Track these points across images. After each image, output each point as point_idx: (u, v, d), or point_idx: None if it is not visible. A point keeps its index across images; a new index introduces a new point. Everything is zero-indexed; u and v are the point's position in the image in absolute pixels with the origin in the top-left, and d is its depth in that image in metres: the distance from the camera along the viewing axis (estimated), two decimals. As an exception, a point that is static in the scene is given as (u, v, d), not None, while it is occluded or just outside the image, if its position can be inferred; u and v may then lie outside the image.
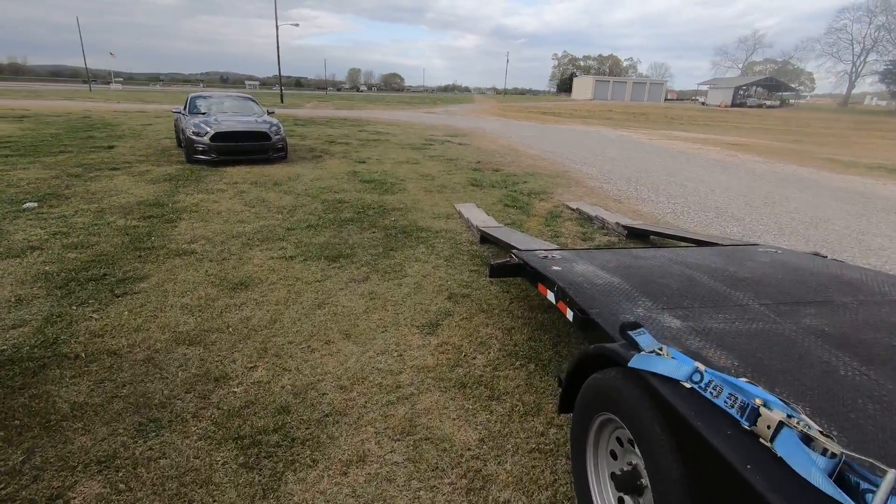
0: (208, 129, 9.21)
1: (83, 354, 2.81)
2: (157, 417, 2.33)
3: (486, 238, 5.03)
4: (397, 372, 2.78)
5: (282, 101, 42.84)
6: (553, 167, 10.96)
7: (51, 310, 3.32)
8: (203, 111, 10.51)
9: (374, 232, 5.44)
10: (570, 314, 2.48)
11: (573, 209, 6.81)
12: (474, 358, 2.96)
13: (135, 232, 5.09)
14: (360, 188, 7.76)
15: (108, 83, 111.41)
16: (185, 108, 10.61)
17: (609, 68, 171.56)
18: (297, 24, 48.00)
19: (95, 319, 3.24)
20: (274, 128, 9.91)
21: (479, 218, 5.85)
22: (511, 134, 19.57)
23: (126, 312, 3.35)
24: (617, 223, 5.66)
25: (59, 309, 3.35)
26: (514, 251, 3.52)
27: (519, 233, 5.05)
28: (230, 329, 3.18)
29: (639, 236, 5.45)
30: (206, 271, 4.12)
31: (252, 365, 2.79)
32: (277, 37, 44.25)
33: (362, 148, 12.94)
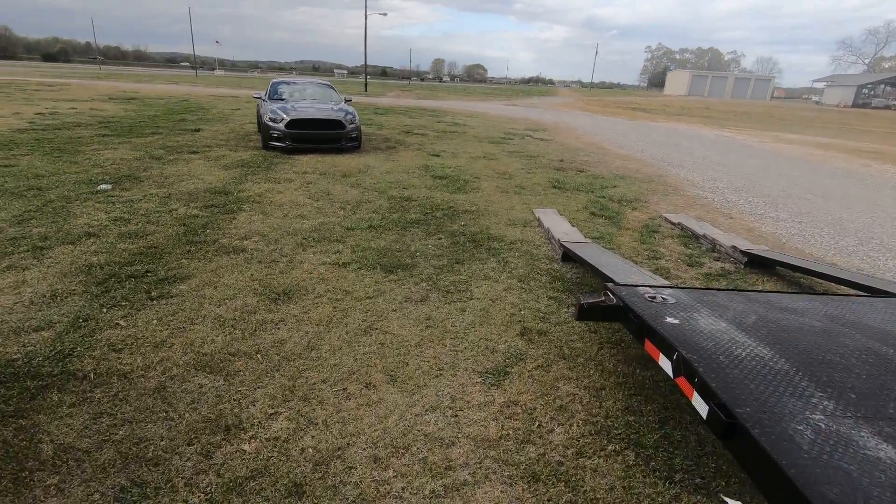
0: (284, 115, 9.06)
1: (92, 375, 2.43)
2: (144, 481, 1.85)
3: (569, 256, 4.24)
4: (449, 443, 2.14)
5: (366, 90, 43.56)
6: (646, 170, 9.78)
7: (80, 311, 3.02)
8: (282, 98, 10.44)
9: (439, 238, 4.82)
10: (700, 406, 1.71)
11: (674, 223, 5.80)
12: (551, 431, 2.24)
13: (192, 223, 4.83)
14: (430, 185, 7.18)
15: (213, 69, 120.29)
16: (266, 94, 10.60)
17: (708, 62, 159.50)
18: (385, 14, 48.56)
19: (121, 328, 2.88)
20: (349, 116, 9.60)
21: (562, 228, 5.05)
22: (597, 130, 18.21)
23: (154, 321, 2.97)
24: (733, 247, 4.63)
25: (89, 311, 3.04)
26: (609, 285, 2.74)
27: (610, 253, 4.21)
28: (259, 355, 2.70)
29: (762, 265, 4.40)
30: (252, 275, 3.71)
31: (273, 411, 2.27)
32: (366, 27, 44.96)
33: (438, 140, 12.40)
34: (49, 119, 12.09)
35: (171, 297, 3.30)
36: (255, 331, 2.94)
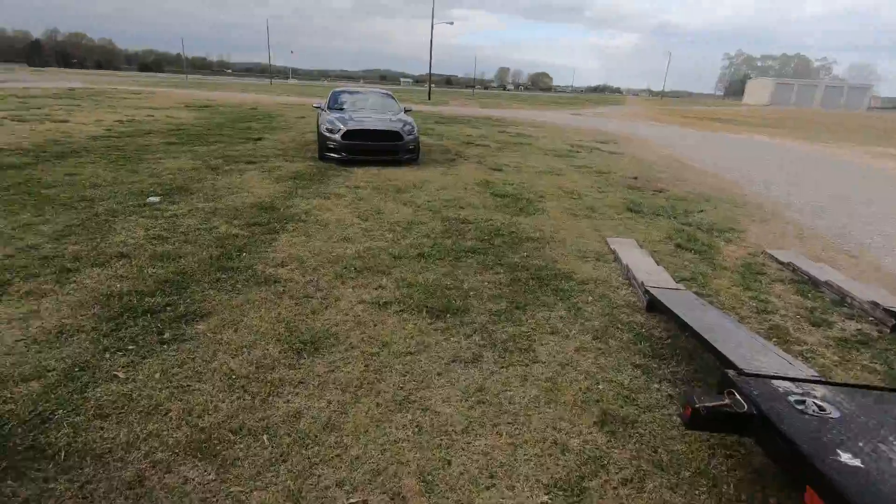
0: (341, 126, 8.75)
1: (63, 453, 1.99)
2: None
3: (656, 306, 3.45)
4: None
5: (429, 98, 43.68)
6: (733, 190, 8.63)
7: (81, 355, 2.64)
8: (341, 107, 10.19)
9: (498, 272, 4.16)
10: None
11: (782, 263, 4.80)
12: None
13: (230, 244, 4.47)
14: (490, 204, 6.54)
15: (286, 78, 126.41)
16: (325, 103, 10.40)
17: (794, 70, 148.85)
18: (451, 23, 48.62)
19: (118, 381, 2.45)
20: (407, 127, 9.16)
21: (645, 267, 4.24)
22: (672, 142, 16.84)
23: (157, 375, 2.52)
24: (873, 303, 3.64)
25: (91, 356, 2.64)
26: (732, 375, 1.98)
27: (711, 307, 3.37)
28: (267, 435, 2.16)
29: (918, 331, 3.40)
30: (279, 314, 3.22)
31: (267, 533, 1.70)
32: (431, 36, 45.21)
33: (500, 152, 11.74)
34: (125, 126, 12.58)
35: (185, 340, 2.85)
36: (269, 396, 2.42)
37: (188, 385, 2.46)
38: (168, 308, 3.21)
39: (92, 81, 42.14)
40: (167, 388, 2.43)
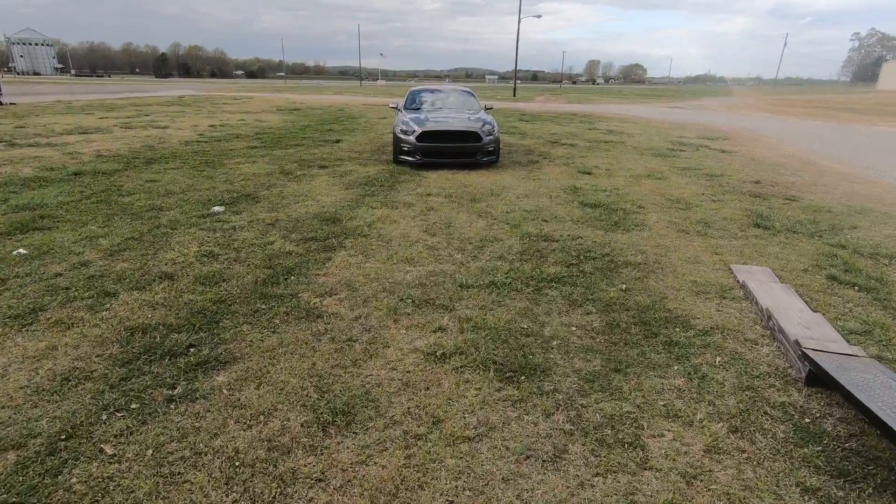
0: (416, 127, 8.20)
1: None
2: None
3: (822, 379, 2.42)
4: None
5: (514, 95, 42.55)
6: (892, 198, 6.90)
7: (75, 416, 2.21)
8: (417, 107, 9.66)
9: (589, 312, 3.30)
10: None
11: None
12: None
13: (281, 263, 4.01)
14: (578, 216, 5.61)
15: (376, 79, 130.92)
16: (402, 103, 9.94)
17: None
18: (539, 17, 46.98)
19: (101, 461, 1.98)
20: (486, 127, 8.41)
21: (794, 313, 3.15)
22: (796, 138, 14.52)
23: (150, 452, 2.01)
24: None
25: (86, 416, 2.21)
26: None
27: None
28: (255, 576, 1.53)
29: None
30: (314, 365, 2.64)
31: None
32: (518, 31, 43.96)
33: (589, 152, 10.61)
34: (217, 131, 13.05)
35: (196, 399, 2.34)
36: (273, 500, 1.80)
37: (179, 474, 1.91)
38: (191, 349, 2.75)
39: (202, 89, 45.93)
40: (154, 475, 1.90)
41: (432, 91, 10.47)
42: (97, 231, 4.71)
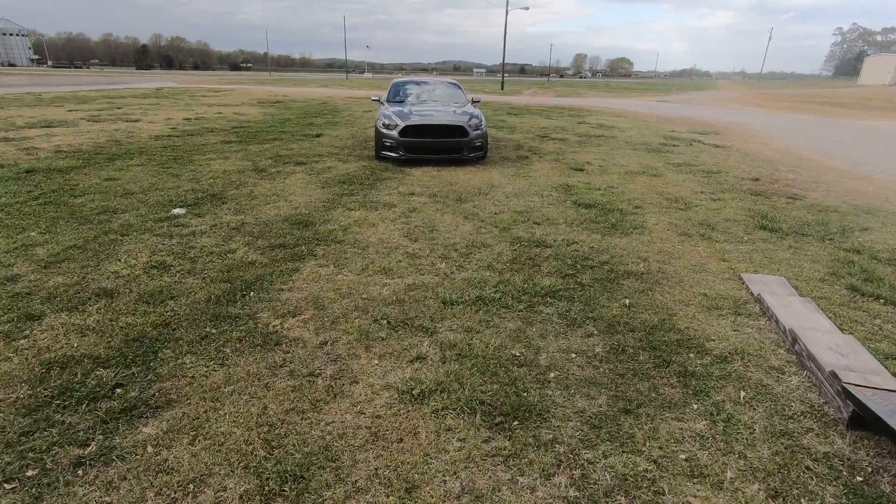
0: (399, 121, 7.72)
1: None
2: None
3: (868, 422, 2.04)
4: None
5: (502, 88, 42.08)
6: (899, 197, 6.60)
7: (-49, 489, 1.73)
8: (401, 100, 9.17)
9: (590, 335, 2.89)
10: None
11: None
12: None
13: (241, 277, 3.54)
14: (572, 218, 5.20)
15: (362, 72, 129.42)
16: (385, 96, 9.43)
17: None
18: (527, 8, 46.48)
19: (-28, 556, 1.51)
20: (473, 121, 7.95)
21: (822, 335, 2.77)
22: (787, 132, 14.29)
23: (36, 545, 1.55)
24: None
25: (-34, 489, 1.73)
26: None
27: None
28: None
29: None
30: (264, 409, 2.19)
31: None
32: (506, 23, 43.44)
33: (581, 147, 10.21)
34: (192, 125, 12.42)
35: (111, 461, 1.88)
36: None
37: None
38: (117, 391, 2.28)
39: (182, 81, 44.71)
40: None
41: (417, 83, 9.97)
42: (36, 238, 4.19)
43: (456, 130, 7.76)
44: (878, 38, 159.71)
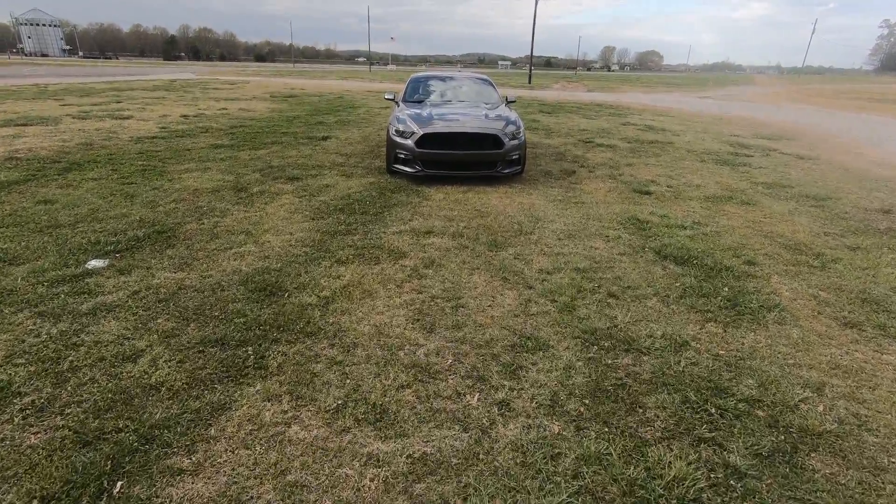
0: (416, 128, 6.12)
1: None
2: None
3: None
4: None
5: (529, 82, 40.06)
6: None
7: None
8: (420, 99, 7.55)
9: None
10: None
11: None
12: None
13: (116, 436, 2.00)
14: (663, 283, 3.53)
15: (386, 64, 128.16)
16: (401, 95, 7.82)
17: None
18: (557, -3, 44.13)
19: None
20: (510, 128, 6.29)
21: None
22: (870, 136, 12.19)
23: None
24: None
25: None
26: None
27: None
28: None
29: None
30: None
31: None
32: (535, 13, 41.28)
33: (635, 157, 8.45)
34: (187, 123, 11.04)
35: None
36: None
37: None
38: None
39: (203, 72, 43.89)
40: None
41: (441, 78, 8.32)
42: None
43: (488, 140, 6.12)
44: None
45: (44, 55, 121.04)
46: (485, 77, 8.41)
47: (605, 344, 2.73)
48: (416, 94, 7.75)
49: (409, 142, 6.09)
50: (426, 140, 6.04)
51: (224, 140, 9.00)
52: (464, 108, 6.89)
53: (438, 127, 6.12)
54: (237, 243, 4.06)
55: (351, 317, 2.96)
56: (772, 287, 3.52)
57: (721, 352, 2.69)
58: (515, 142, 6.26)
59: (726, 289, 3.45)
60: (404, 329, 2.85)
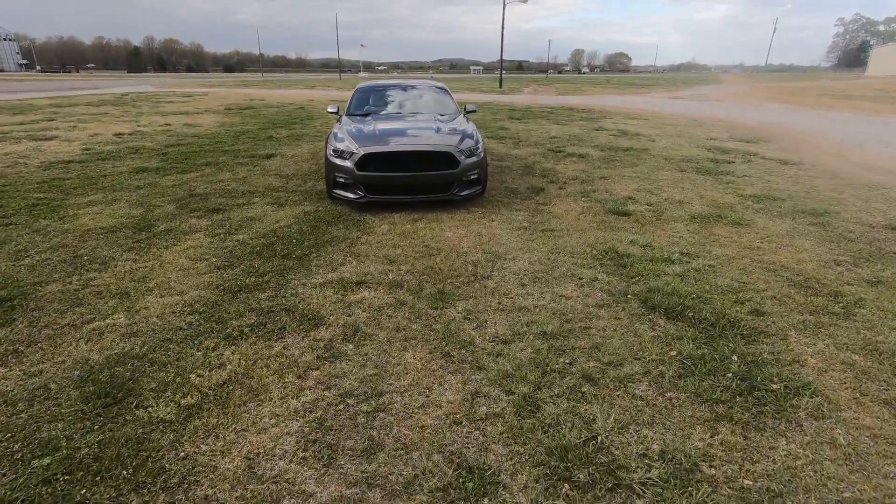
0: (355, 147, 5.22)
1: None
2: None
3: None
4: None
5: (500, 86, 39.60)
6: None
7: None
8: (366, 112, 6.65)
9: None
10: None
11: None
12: None
13: None
14: (653, 354, 2.70)
15: (357, 72, 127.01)
16: (346, 108, 6.91)
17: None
18: (525, 0, 43.90)
19: None
20: (467, 143, 5.45)
21: None
22: (849, 136, 11.76)
23: None
24: None
25: None
26: None
27: None
28: None
29: None
30: None
31: None
32: (503, 18, 40.90)
33: (609, 168, 7.70)
34: (117, 142, 9.92)
35: None
36: None
37: None
38: None
39: (161, 85, 42.17)
40: None
41: (390, 88, 7.44)
42: None
43: (440, 159, 5.26)
44: (881, 27, 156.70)
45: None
46: (441, 85, 7.55)
47: (580, 477, 1.87)
48: (362, 106, 6.85)
49: (349, 163, 5.19)
50: (368, 161, 5.15)
51: (152, 162, 7.96)
52: (414, 122, 6.03)
53: (382, 145, 5.23)
54: (102, 313, 3.09)
55: (216, 443, 2.04)
56: (792, 352, 2.72)
57: (748, 481, 1.86)
58: (473, 159, 5.41)
59: (735, 358, 2.63)
60: (290, 462, 1.94)
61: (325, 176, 5.66)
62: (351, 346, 2.75)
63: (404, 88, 7.32)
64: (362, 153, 5.14)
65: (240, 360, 2.61)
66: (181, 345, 2.75)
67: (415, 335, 2.87)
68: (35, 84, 41.29)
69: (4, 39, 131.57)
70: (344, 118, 6.38)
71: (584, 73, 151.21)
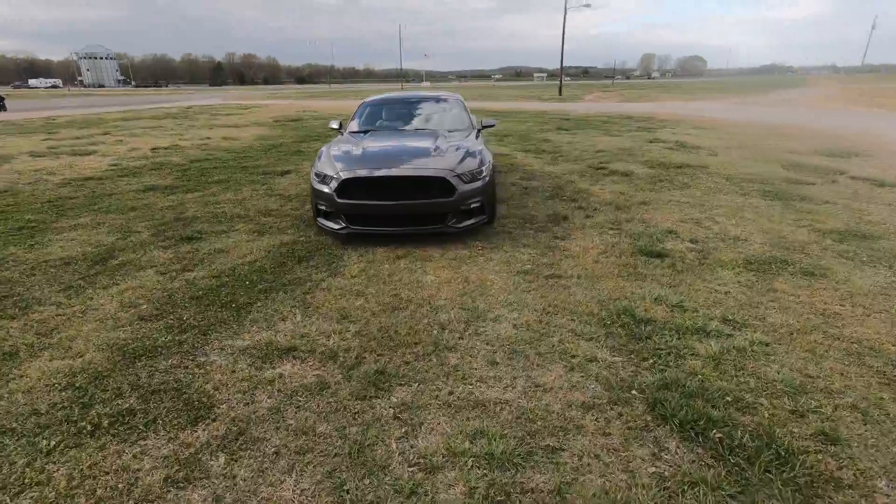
0: (335, 171, 4.55)
1: None
2: None
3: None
4: None
5: (560, 94, 38.24)
6: None
7: None
8: (364, 129, 5.98)
9: None
10: None
11: None
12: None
13: None
14: (649, 494, 1.76)
15: (421, 81, 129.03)
16: (349, 123, 6.29)
17: None
18: (588, 5, 42.24)
19: None
20: (468, 165, 4.61)
21: None
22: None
23: None
24: None
25: None
26: None
27: None
28: None
29: None
30: None
31: None
32: (564, 23, 39.55)
33: (654, 192, 6.56)
34: (148, 159, 9.96)
35: None
36: None
37: None
38: None
39: (229, 97, 44.38)
40: None
41: (398, 102, 6.74)
42: None
43: (433, 185, 4.45)
44: None
45: (101, 86, 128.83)
46: (455, 96, 6.76)
47: None
48: (365, 121, 6.20)
49: (327, 189, 4.52)
50: (348, 187, 4.45)
51: (167, 180, 7.76)
52: (411, 141, 5.27)
53: (363, 169, 4.51)
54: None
55: None
56: (882, 529, 1.68)
57: None
58: (476, 185, 4.57)
59: (782, 538, 1.63)
60: None
61: (311, 202, 5.03)
62: (221, 461, 2.02)
63: (414, 102, 6.60)
64: (342, 178, 4.45)
65: (65, 476, 1.95)
66: (18, 441, 2.14)
67: (313, 447, 2.09)
68: (122, 98, 44.84)
69: (105, 58, 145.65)
70: (345, 134, 5.76)
71: (654, 79, 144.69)
